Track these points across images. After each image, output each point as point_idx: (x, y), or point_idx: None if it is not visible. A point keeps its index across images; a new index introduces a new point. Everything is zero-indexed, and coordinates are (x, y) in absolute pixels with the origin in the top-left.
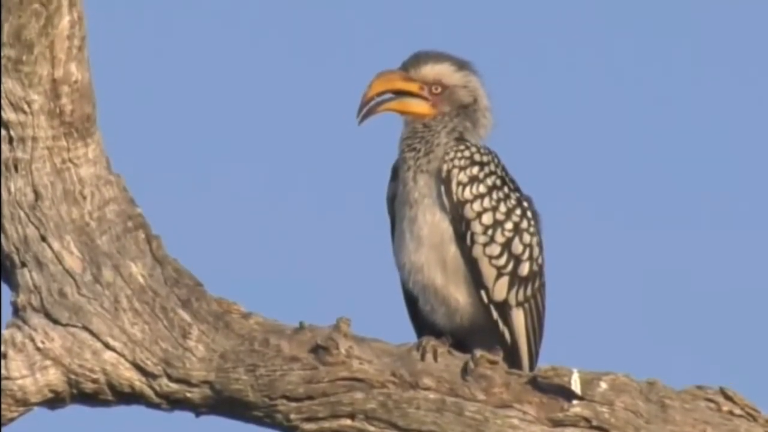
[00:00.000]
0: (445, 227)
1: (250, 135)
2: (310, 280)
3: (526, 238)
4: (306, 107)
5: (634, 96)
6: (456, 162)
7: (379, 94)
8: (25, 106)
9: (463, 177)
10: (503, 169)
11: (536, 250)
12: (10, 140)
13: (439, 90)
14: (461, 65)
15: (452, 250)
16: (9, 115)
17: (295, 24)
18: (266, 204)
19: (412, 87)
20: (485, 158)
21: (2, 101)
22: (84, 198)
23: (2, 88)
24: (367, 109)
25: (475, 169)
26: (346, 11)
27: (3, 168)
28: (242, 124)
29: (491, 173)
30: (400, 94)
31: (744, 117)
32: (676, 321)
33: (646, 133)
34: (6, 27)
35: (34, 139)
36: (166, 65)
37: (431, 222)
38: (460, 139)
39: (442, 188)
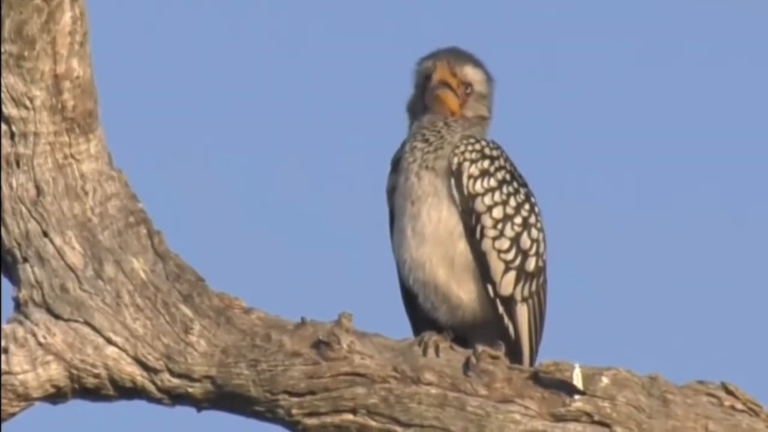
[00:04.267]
0: (454, 223)
1: (252, 130)
2: (312, 275)
3: (534, 233)
4: (308, 101)
5: (628, 93)
6: (467, 155)
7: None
8: (27, 102)
9: (474, 170)
10: (511, 163)
11: (542, 246)
12: (12, 136)
13: (470, 93)
14: (491, 77)
15: (461, 245)
16: (11, 110)
17: (296, 15)
18: (268, 199)
19: (454, 82)
20: (495, 152)
21: (4, 97)
22: (86, 193)
23: (4, 84)
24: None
25: (486, 163)
26: (344, 3)
27: (5, 163)
28: (244, 119)
29: (501, 167)
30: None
31: (743, 118)
32: (678, 315)
33: (643, 126)
34: (7, 23)
35: (36, 134)
36: (168, 60)
37: (437, 219)
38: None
39: (452, 181)
